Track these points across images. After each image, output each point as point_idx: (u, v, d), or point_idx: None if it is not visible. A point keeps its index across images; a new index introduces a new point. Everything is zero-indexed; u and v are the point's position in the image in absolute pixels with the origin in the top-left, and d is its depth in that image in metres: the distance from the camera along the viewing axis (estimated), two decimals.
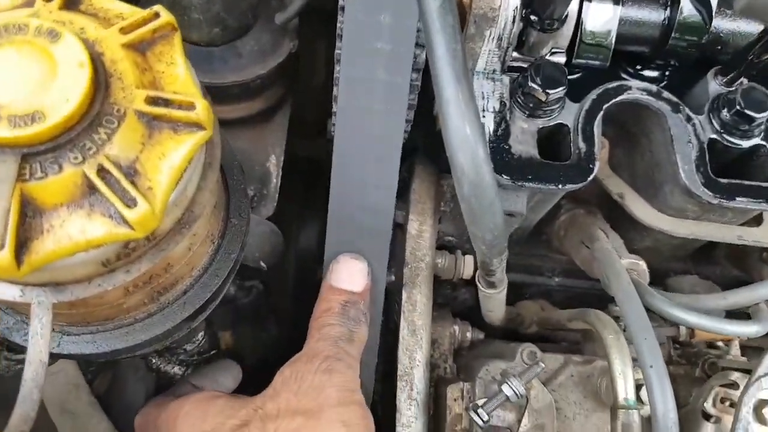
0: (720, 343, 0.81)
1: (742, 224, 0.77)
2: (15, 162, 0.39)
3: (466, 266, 0.78)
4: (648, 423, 0.62)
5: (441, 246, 0.81)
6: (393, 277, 0.81)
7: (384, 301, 0.71)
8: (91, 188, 0.40)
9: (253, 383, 0.66)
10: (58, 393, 0.65)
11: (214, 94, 0.62)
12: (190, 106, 0.43)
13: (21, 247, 0.39)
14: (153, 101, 0.42)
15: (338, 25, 0.64)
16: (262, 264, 0.94)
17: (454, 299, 0.96)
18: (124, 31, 0.44)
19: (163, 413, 0.62)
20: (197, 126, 0.44)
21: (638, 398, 0.65)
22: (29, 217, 0.40)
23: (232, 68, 0.88)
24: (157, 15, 0.45)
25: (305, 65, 1.09)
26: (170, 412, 0.61)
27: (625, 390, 0.64)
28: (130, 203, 0.40)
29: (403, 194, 0.81)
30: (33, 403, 0.42)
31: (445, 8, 0.44)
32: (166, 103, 0.43)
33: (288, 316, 1.11)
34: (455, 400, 0.75)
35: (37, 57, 0.40)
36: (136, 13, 0.46)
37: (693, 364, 0.79)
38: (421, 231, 0.77)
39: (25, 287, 0.44)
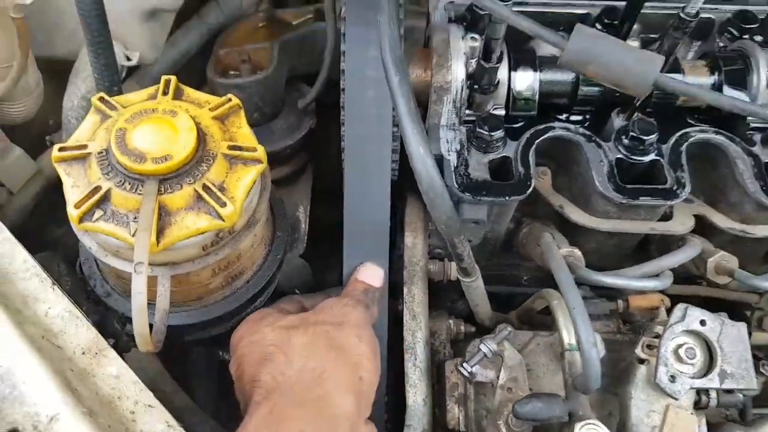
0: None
1: (659, 220, 1.01)
2: (156, 184, 0.67)
3: (452, 270, 1.03)
4: None
5: (433, 256, 1.07)
6: (401, 306, 1.04)
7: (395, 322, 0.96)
8: (199, 197, 0.68)
9: None
10: (149, 379, 0.88)
11: None
12: (253, 149, 0.72)
13: (159, 233, 0.67)
14: (231, 148, 0.71)
15: (341, 101, 0.94)
16: (297, 291, 1.21)
17: (453, 308, 1.20)
18: (211, 109, 0.74)
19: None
20: (258, 161, 0.72)
21: (579, 346, 0.87)
22: (163, 216, 0.67)
23: (267, 142, 1.18)
24: (230, 99, 0.75)
25: (322, 142, 1.39)
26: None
27: (567, 338, 0.87)
28: (222, 205, 0.68)
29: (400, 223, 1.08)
30: (158, 333, 0.68)
31: (403, 81, 0.73)
32: (239, 148, 0.72)
33: None
34: (452, 371, 0.97)
35: (166, 126, 0.69)
36: (217, 99, 0.75)
37: (637, 333, 1.01)
38: (415, 243, 1.03)
39: (152, 267, 0.71)
